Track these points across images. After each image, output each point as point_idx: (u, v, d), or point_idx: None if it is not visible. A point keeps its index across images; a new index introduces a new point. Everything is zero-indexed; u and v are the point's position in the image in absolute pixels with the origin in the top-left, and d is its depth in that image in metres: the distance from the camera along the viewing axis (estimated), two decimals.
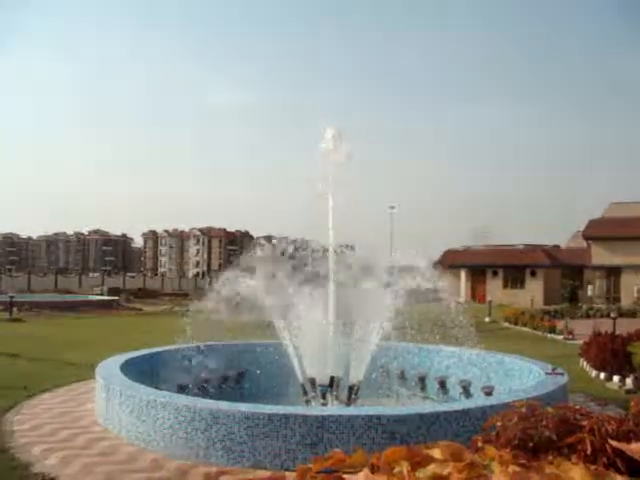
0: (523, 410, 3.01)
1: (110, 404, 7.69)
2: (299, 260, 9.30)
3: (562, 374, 8.47)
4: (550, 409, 3.02)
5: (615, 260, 45.63)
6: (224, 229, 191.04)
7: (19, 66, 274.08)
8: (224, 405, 6.70)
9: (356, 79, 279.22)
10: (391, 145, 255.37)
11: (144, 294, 45.07)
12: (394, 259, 9.29)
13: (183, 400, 6.97)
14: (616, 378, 11.78)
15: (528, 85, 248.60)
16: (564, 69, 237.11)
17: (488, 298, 35.18)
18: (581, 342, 15.24)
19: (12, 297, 26.64)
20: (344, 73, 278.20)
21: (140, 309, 34.23)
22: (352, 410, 7.42)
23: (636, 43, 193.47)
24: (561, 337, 21.21)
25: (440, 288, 8.88)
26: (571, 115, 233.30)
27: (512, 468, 1.42)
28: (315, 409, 7.77)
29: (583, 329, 19.31)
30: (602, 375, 12.23)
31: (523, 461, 1.65)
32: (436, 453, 1.48)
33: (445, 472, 1.37)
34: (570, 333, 21.14)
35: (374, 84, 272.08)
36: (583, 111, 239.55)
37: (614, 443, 2.02)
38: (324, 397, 8.54)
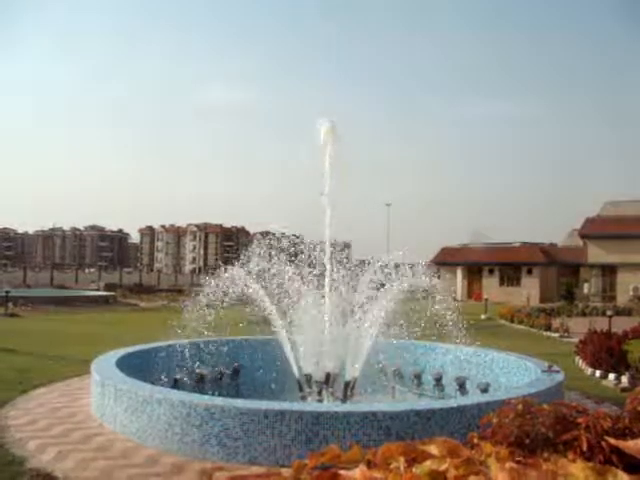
0: (519, 407, 3.00)
1: (106, 399, 7.67)
2: (295, 256, 9.29)
3: (558, 371, 8.48)
4: (546, 406, 3.01)
5: (611, 258, 45.74)
6: (220, 225, 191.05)
7: (19, 66, 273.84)
8: (219, 401, 6.69)
9: (356, 78, 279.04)
10: (390, 144, 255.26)
11: (140, 290, 44.95)
12: (390, 256, 9.29)
13: (178, 396, 6.96)
14: (612, 376, 11.80)
15: (528, 85, 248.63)
16: (565, 68, 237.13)
17: (484, 296, 35.23)
18: (577, 340, 15.28)
19: (8, 292, 26.54)
20: (344, 72, 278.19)
21: (136, 305, 34.19)
22: (348, 406, 7.42)
23: (637, 41, 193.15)
24: (557, 335, 21.25)
25: (435, 285, 8.89)
26: (570, 114, 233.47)
27: (509, 465, 1.41)
28: (311, 405, 7.77)
29: (579, 327, 19.37)
30: (598, 373, 12.25)
31: (519, 458, 1.64)
32: (432, 449, 1.47)
33: (442, 468, 1.36)
34: (566, 331, 21.19)
35: (374, 83, 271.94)
36: (582, 110, 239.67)
37: (611, 440, 2.01)
38: (320, 393, 8.54)
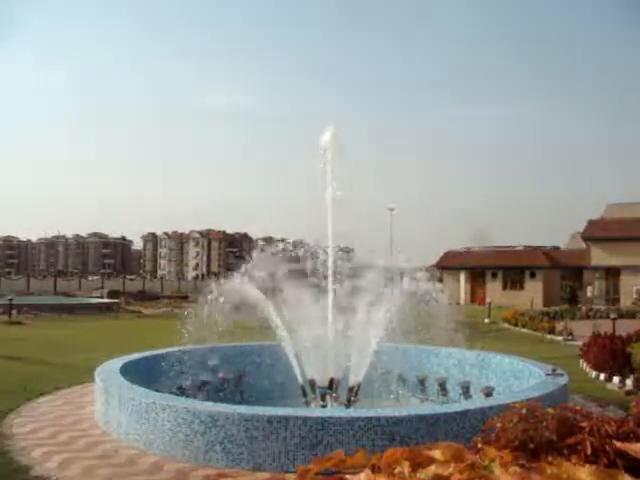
0: (523, 411, 3.00)
1: (110, 407, 7.68)
2: (298, 261, 9.30)
3: (562, 375, 8.46)
4: (550, 410, 3.01)
5: (614, 261, 45.64)
6: (223, 231, 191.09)
7: (19, 67, 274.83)
8: (223, 407, 6.69)
9: (356, 79, 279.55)
10: (391, 145, 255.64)
11: (144, 297, 44.96)
12: (393, 261, 9.29)
13: (182, 402, 6.97)
14: (616, 379, 11.77)
15: (527, 85, 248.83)
16: (563, 69, 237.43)
17: (487, 300, 35.15)
18: (581, 343, 15.24)
19: (11, 300, 26.58)
20: (343, 73, 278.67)
21: (140, 312, 34.18)
22: (352, 412, 7.41)
23: (636, 42, 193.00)
24: (561, 338, 21.20)
25: (438, 290, 8.89)
26: (571, 115, 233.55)
27: (513, 469, 1.41)
28: (315, 411, 7.76)
29: (583, 330, 19.32)
30: (602, 376, 12.22)
31: (523, 462, 1.65)
32: (437, 454, 1.48)
33: (446, 473, 1.36)
34: (570, 334, 21.14)
35: (374, 84, 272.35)
36: (583, 111, 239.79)
37: (617, 443, 2.01)
38: (324, 399, 8.53)
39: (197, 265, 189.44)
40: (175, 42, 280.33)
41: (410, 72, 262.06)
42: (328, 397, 8.52)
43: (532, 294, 46.91)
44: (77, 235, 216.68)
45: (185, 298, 42.50)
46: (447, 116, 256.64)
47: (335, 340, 8.79)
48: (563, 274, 51.21)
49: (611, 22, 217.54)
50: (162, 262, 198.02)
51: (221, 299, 8.63)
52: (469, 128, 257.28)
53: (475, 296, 50.95)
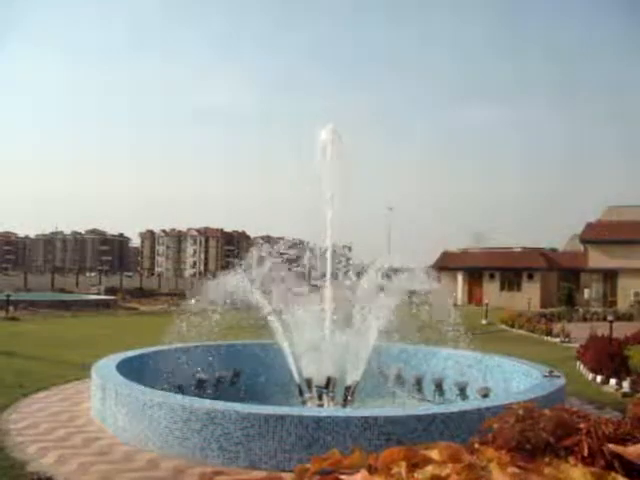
0: (520, 412, 3.00)
1: (106, 403, 7.68)
2: (296, 260, 9.30)
3: (559, 377, 8.47)
4: (547, 411, 3.01)
5: (612, 263, 45.71)
6: (221, 229, 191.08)
7: (19, 66, 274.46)
8: (220, 405, 6.69)
9: (356, 79, 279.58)
10: (390, 145, 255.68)
11: (141, 294, 44.95)
12: (390, 261, 9.29)
13: (179, 400, 6.96)
14: (613, 381, 11.78)
15: (527, 86, 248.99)
16: (563, 69, 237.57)
17: (485, 301, 35.18)
18: (578, 345, 15.26)
19: (9, 296, 26.55)
20: (344, 73, 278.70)
21: (137, 309, 34.16)
22: (348, 411, 7.42)
23: (636, 42, 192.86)
24: (558, 340, 21.23)
25: (435, 290, 8.90)
26: (570, 116, 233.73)
27: (511, 470, 1.41)
28: (311, 410, 7.76)
29: (580, 332, 19.33)
30: (599, 378, 12.23)
31: (521, 463, 1.64)
32: (434, 454, 1.47)
33: (444, 473, 1.36)
34: (567, 336, 21.17)
35: (373, 84, 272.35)
36: (582, 112, 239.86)
37: (611, 446, 2.01)
38: (320, 398, 8.53)
39: (195, 263, 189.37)
40: (175, 42, 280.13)
41: (410, 72, 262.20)
42: (325, 396, 8.52)
43: (529, 296, 46.93)
44: (75, 232, 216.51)
45: (182, 296, 42.45)
46: (447, 116, 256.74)
47: (332, 339, 8.79)
48: (561, 276, 51.24)
49: (610, 22, 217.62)
50: (160, 259, 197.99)
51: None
52: (469, 128, 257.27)
53: (472, 297, 50.98)
